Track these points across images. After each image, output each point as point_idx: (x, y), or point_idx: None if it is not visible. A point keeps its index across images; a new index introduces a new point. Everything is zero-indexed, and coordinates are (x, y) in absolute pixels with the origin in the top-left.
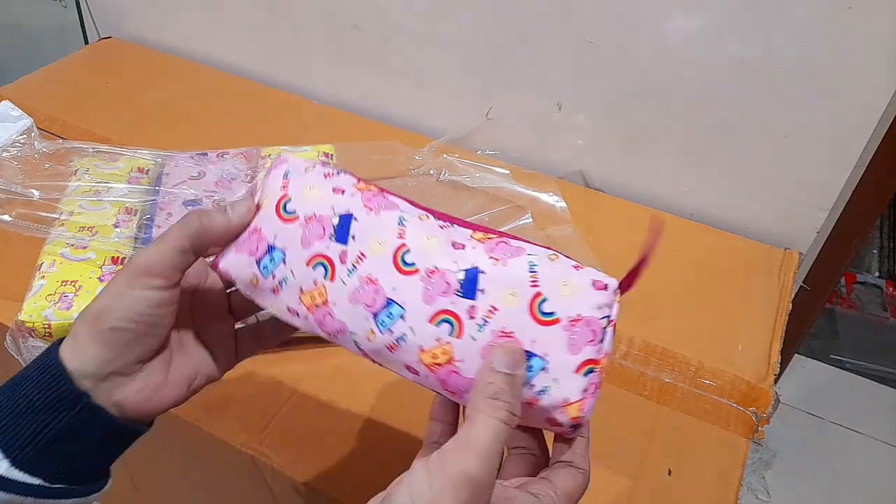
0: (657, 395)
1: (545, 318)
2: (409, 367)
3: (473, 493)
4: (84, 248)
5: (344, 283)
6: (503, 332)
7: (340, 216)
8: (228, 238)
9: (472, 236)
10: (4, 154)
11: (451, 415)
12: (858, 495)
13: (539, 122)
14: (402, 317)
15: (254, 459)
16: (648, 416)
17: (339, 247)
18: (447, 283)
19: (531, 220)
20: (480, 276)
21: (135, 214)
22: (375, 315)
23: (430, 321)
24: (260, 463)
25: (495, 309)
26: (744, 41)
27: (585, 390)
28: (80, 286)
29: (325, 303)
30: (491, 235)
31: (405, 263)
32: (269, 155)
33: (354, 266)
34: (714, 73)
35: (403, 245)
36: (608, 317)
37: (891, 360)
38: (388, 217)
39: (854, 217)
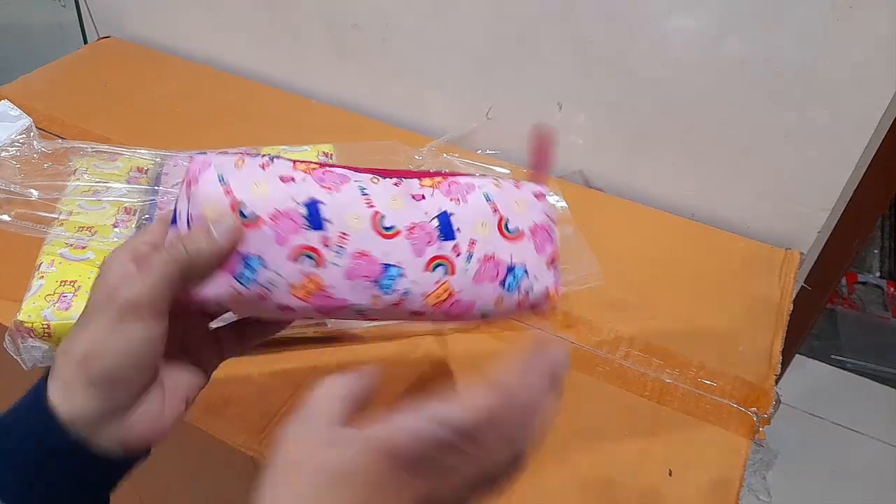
0: (658, 395)
1: (513, 235)
2: (414, 313)
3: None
4: (83, 248)
5: (336, 264)
6: (486, 256)
7: (306, 205)
8: (218, 264)
9: (422, 184)
10: (3, 154)
11: None
12: (859, 495)
13: (539, 122)
14: (401, 275)
15: (254, 459)
16: (649, 416)
17: (318, 234)
18: (427, 233)
19: None
20: (451, 218)
21: (134, 214)
22: (377, 282)
23: (426, 270)
24: (260, 463)
25: (474, 241)
26: (744, 41)
27: (556, 277)
28: (79, 286)
29: (321, 288)
30: (438, 179)
31: (385, 229)
32: (269, 155)
33: (341, 247)
34: (714, 73)
35: (377, 213)
36: (549, 216)
37: (892, 361)
38: (348, 190)
39: (855, 217)
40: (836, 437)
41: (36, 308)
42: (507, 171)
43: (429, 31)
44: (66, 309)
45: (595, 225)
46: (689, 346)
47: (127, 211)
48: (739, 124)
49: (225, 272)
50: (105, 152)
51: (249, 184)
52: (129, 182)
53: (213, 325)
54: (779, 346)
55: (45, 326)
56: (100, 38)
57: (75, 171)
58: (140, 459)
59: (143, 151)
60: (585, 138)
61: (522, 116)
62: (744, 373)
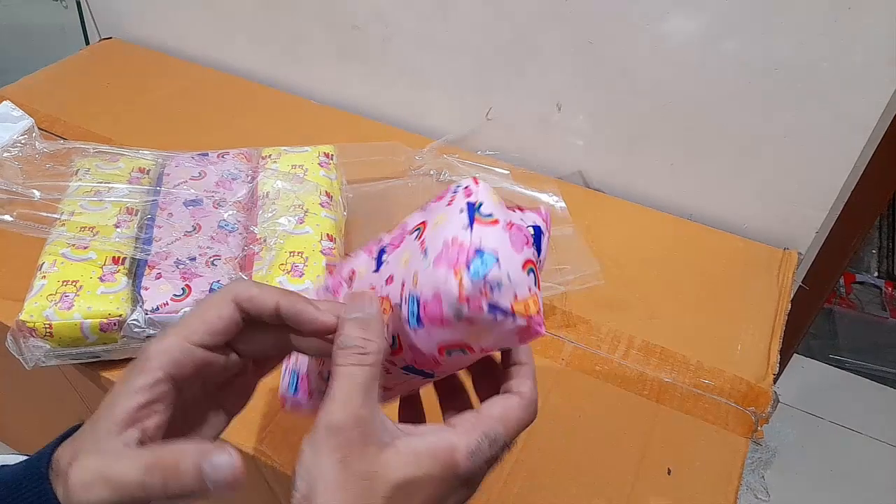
0: (657, 394)
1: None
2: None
3: (340, 441)
4: (85, 248)
5: None
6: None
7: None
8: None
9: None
10: (5, 154)
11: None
12: (858, 495)
13: (539, 123)
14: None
15: (254, 459)
16: (648, 415)
17: None
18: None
19: None
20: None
21: (136, 214)
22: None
23: None
24: (260, 463)
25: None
26: (743, 42)
27: (531, 289)
28: (80, 286)
29: None
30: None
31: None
32: (269, 155)
33: None
34: (714, 74)
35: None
36: (532, 226)
37: (890, 360)
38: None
39: (853, 217)
40: (833, 437)
41: (38, 308)
42: (507, 172)
43: (429, 32)
44: (68, 308)
45: (595, 225)
46: (687, 345)
47: (129, 211)
48: (738, 124)
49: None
50: (107, 153)
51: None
52: (130, 182)
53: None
54: (777, 345)
55: (46, 326)
56: (101, 39)
57: (77, 171)
58: None
59: (144, 152)
60: (585, 138)
61: (522, 117)
62: (742, 372)
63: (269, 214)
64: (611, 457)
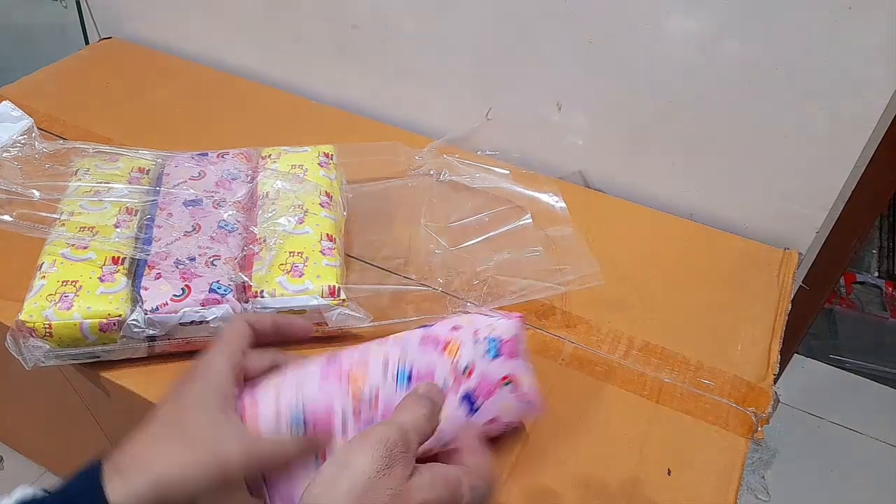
0: (656, 394)
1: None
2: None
3: (386, 454)
4: (84, 248)
5: None
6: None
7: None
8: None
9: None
10: (5, 154)
11: None
12: (858, 495)
13: (539, 123)
14: None
15: None
16: (648, 415)
17: None
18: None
19: (531, 220)
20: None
21: (135, 214)
22: None
23: None
24: None
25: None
26: (743, 41)
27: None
28: (80, 286)
29: None
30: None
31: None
32: (269, 155)
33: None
34: (714, 74)
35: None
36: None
37: (890, 361)
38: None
39: (853, 217)
40: (834, 437)
41: (37, 308)
42: (507, 172)
43: (429, 32)
44: (68, 309)
45: (595, 225)
46: (687, 345)
47: (128, 211)
48: (738, 124)
49: None
50: (106, 153)
51: None
52: (130, 182)
53: None
54: (777, 345)
55: (46, 326)
56: (101, 39)
57: (77, 171)
58: None
59: (144, 152)
60: (585, 138)
61: (522, 117)
62: (742, 372)
63: (269, 214)
64: (611, 457)
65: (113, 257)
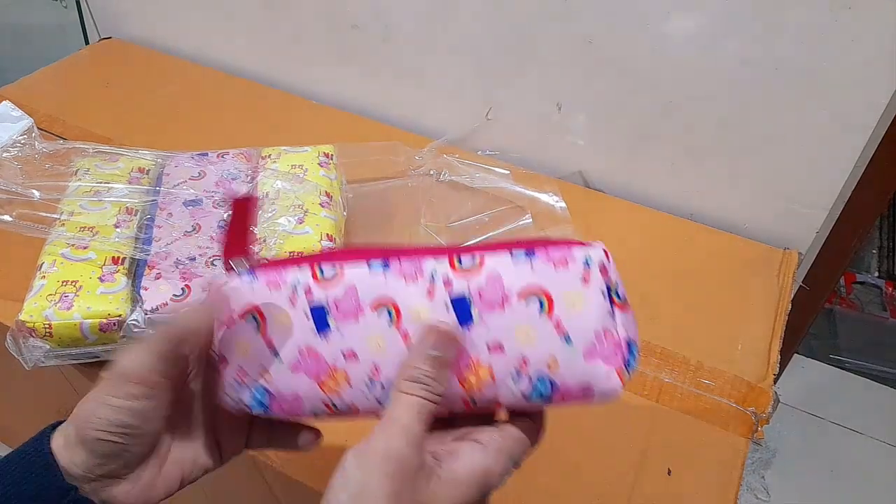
0: (657, 394)
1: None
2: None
3: (399, 468)
4: (84, 248)
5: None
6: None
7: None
8: (206, 335)
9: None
10: (5, 154)
11: None
12: (858, 495)
13: (539, 123)
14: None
15: (254, 459)
16: (648, 415)
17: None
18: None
19: (531, 220)
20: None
21: (135, 214)
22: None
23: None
24: (260, 463)
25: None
26: (744, 41)
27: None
28: (80, 286)
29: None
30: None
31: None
32: (269, 155)
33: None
34: (714, 74)
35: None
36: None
37: (890, 360)
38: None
39: (853, 217)
40: (834, 437)
41: (37, 308)
42: (507, 172)
43: (429, 32)
44: (68, 309)
45: (595, 225)
46: (687, 345)
47: (128, 211)
48: (739, 124)
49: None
50: (106, 153)
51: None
52: (130, 182)
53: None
54: (777, 345)
55: (46, 326)
56: (101, 39)
57: (76, 171)
58: None
59: (144, 152)
60: (585, 138)
61: (522, 117)
62: (742, 372)
63: (269, 214)
64: (611, 457)
65: (113, 257)
